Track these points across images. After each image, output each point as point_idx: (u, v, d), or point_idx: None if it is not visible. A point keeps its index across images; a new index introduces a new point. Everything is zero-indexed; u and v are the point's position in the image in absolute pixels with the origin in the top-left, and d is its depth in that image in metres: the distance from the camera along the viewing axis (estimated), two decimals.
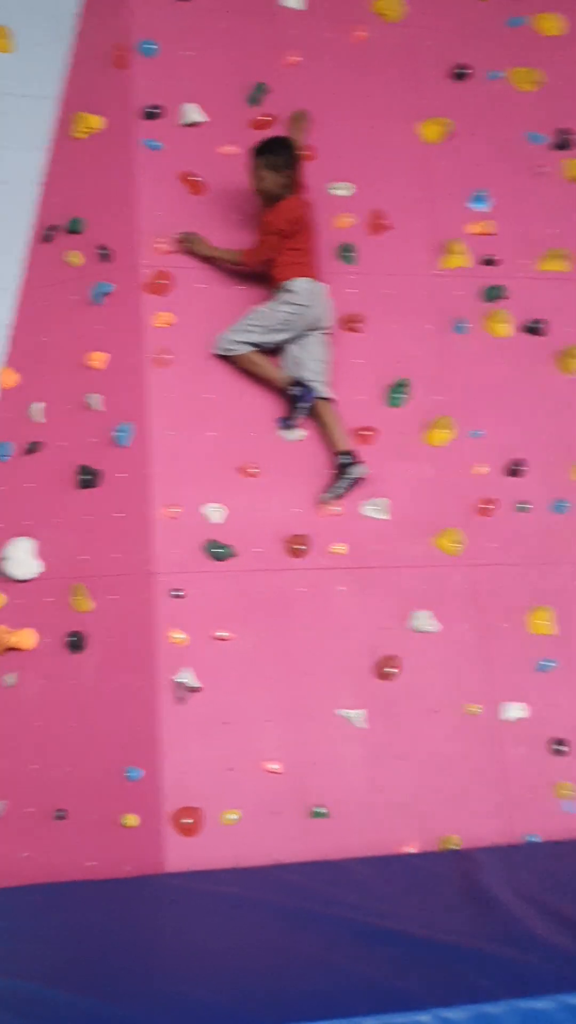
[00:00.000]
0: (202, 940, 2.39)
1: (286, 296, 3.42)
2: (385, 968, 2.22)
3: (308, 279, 3.44)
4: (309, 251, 3.50)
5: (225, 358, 3.50)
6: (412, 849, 3.20)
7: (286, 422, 3.49)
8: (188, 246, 3.52)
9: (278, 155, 3.48)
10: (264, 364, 3.49)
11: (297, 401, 3.44)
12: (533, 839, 3.29)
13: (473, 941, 2.35)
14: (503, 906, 2.57)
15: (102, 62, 3.78)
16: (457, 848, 3.21)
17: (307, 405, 3.45)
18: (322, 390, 3.47)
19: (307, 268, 3.46)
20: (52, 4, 3.86)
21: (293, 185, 3.51)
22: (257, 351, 3.48)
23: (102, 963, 2.29)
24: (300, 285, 3.42)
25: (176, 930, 2.48)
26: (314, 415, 3.49)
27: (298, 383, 3.44)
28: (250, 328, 3.45)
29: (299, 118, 3.71)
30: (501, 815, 3.34)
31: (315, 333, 3.50)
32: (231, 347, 3.46)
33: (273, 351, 3.53)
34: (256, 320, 3.45)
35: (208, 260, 3.55)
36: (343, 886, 2.72)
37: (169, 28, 3.76)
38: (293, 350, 3.51)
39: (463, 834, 3.25)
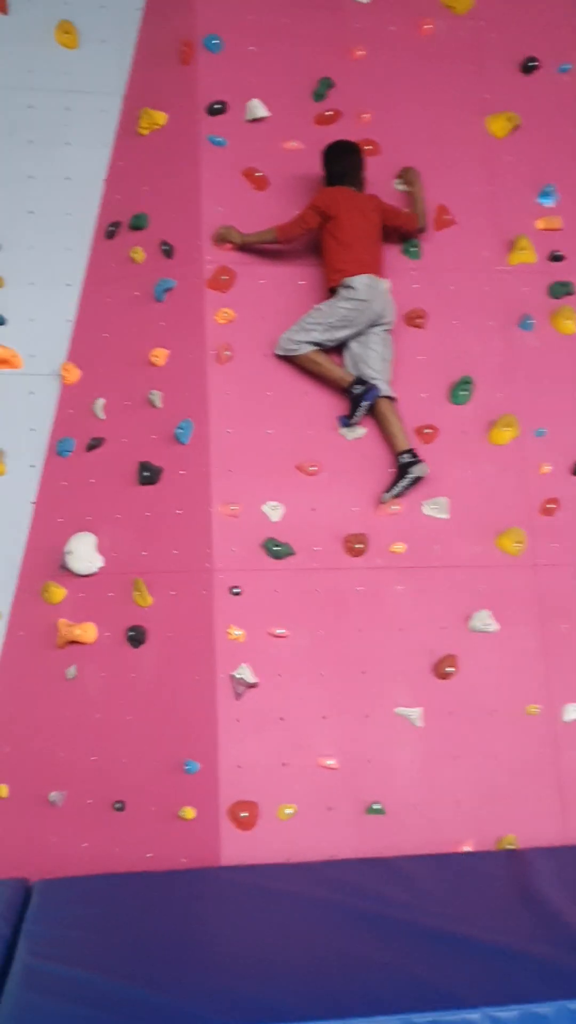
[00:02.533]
0: (255, 935, 2.41)
1: (346, 292, 3.40)
2: (436, 967, 2.23)
3: (368, 275, 3.42)
4: (368, 248, 3.47)
5: (286, 359, 3.49)
6: (468, 848, 3.18)
7: (346, 420, 3.48)
8: (225, 239, 3.52)
9: (347, 153, 3.54)
10: (325, 363, 3.48)
11: (359, 400, 3.42)
12: None
13: (524, 942, 2.35)
14: (555, 908, 2.56)
15: (166, 58, 3.79)
16: (512, 848, 3.19)
17: (369, 404, 3.43)
18: (384, 388, 3.45)
19: (366, 265, 3.44)
20: (116, 0, 3.88)
21: (357, 183, 3.54)
22: (318, 350, 3.47)
23: (156, 955, 2.34)
24: (360, 281, 3.40)
25: (230, 924, 2.50)
26: (375, 413, 3.48)
27: (360, 381, 3.42)
28: (310, 327, 3.44)
29: (411, 173, 3.69)
30: (558, 816, 3.31)
31: (377, 330, 3.48)
32: (292, 347, 3.46)
33: (335, 349, 3.52)
34: (316, 318, 3.44)
35: (245, 248, 3.54)
36: (396, 884, 2.72)
37: (233, 23, 3.76)
38: (355, 347, 3.49)
39: (519, 834, 3.23)
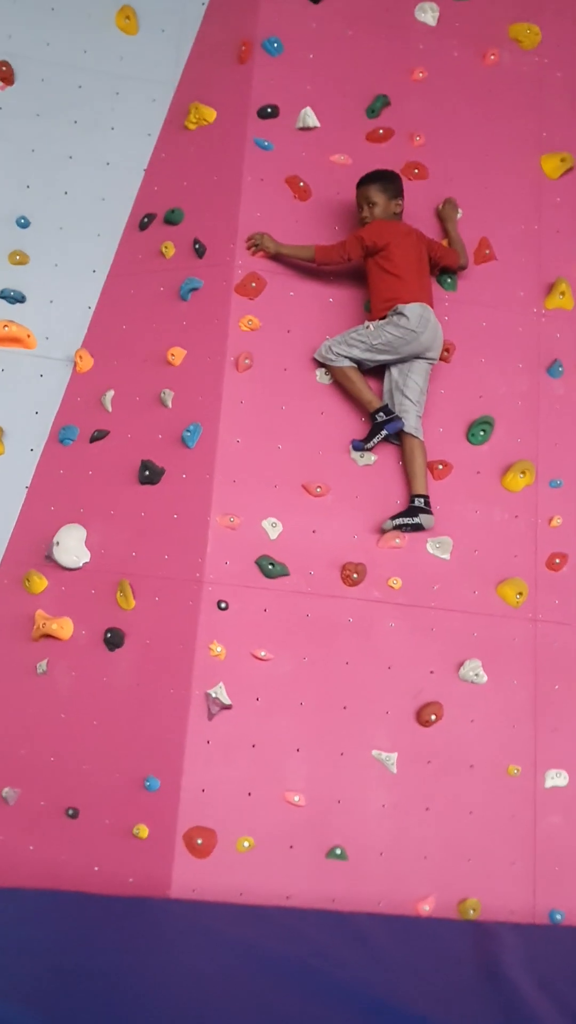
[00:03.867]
0: (194, 983, 2.25)
1: (397, 319, 3.29)
2: None
3: (422, 305, 3.32)
4: (419, 278, 3.37)
5: (323, 365, 3.40)
6: (428, 906, 3.04)
7: (360, 444, 3.37)
8: (258, 246, 3.42)
9: (392, 182, 3.43)
10: (358, 382, 3.37)
11: (380, 427, 3.31)
12: (558, 915, 3.11)
13: None
14: (518, 992, 2.39)
15: (224, 55, 3.72)
16: (476, 913, 3.05)
17: (387, 434, 3.32)
18: (412, 424, 3.34)
19: (419, 294, 3.33)
20: None
21: (398, 214, 3.45)
22: (355, 367, 3.37)
23: (81, 990, 2.17)
24: (413, 310, 3.29)
25: (170, 966, 2.34)
26: (402, 448, 3.37)
27: (387, 410, 3.32)
28: (353, 342, 3.34)
29: (451, 205, 3.61)
30: (527, 887, 3.16)
31: (420, 361, 3.37)
32: (332, 357, 3.36)
33: (375, 370, 3.42)
34: (362, 336, 3.33)
35: (277, 258, 3.44)
36: (352, 945, 2.56)
37: (296, 29, 3.68)
38: (395, 373, 3.39)
39: (484, 898, 3.09)
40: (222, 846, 2.98)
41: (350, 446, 3.39)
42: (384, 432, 3.32)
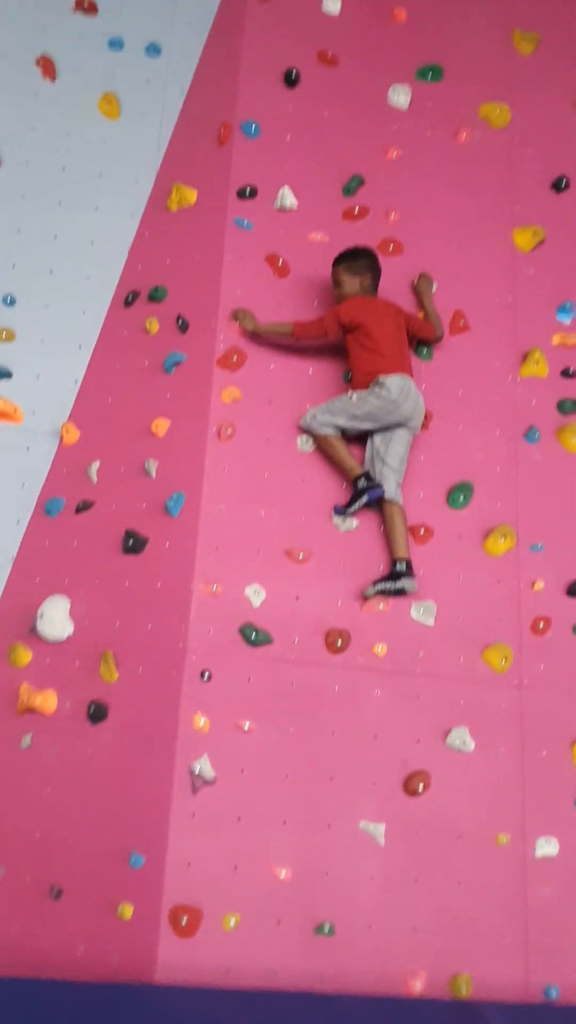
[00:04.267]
0: None
1: (378, 390, 3.36)
2: None
3: (402, 376, 3.39)
4: (398, 351, 3.45)
5: (307, 432, 3.46)
6: (419, 983, 2.97)
7: (342, 510, 3.40)
8: (240, 322, 3.50)
9: (356, 260, 3.53)
10: (341, 449, 3.42)
11: (360, 494, 3.35)
12: (552, 991, 3.04)
13: None
14: None
15: (204, 137, 3.85)
16: (468, 990, 2.98)
17: (368, 501, 3.36)
18: (392, 491, 3.38)
19: (398, 366, 3.41)
20: (161, 76, 3.97)
21: (371, 289, 3.54)
22: (338, 436, 3.43)
23: None
24: (394, 382, 3.36)
25: None
26: (383, 515, 3.40)
27: (368, 477, 3.36)
28: (337, 411, 3.40)
29: (425, 280, 3.71)
30: (519, 958, 3.10)
31: (402, 430, 3.43)
32: (315, 425, 3.43)
33: (358, 437, 3.47)
34: (345, 405, 3.40)
35: (256, 335, 3.52)
36: None
37: (273, 111, 3.82)
38: (378, 441, 3.44)
39: (476, 973, 3.03)
40: (208, 924, 2.93)
41: (332, 512, 3.42)
42: (366, 498, 3.36)
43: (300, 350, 3.57)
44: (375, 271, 3.56)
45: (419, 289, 3.70)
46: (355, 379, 3.46)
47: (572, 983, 3.08)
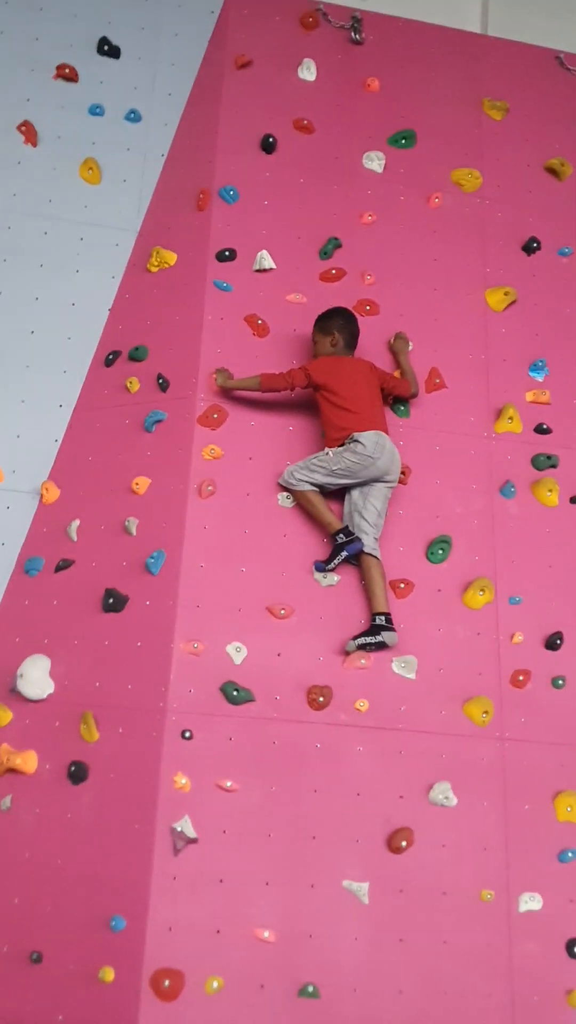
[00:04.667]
0: None
1: (354, 446, 3.41)
2: None
3: (377, 432, 3.45)
4: (370, 408, 3.51)
5: (286, 489, 3.50)
6: None
7: (322, 566, 3.43)
8: (218, 381, 3.55)
9: (328, 320, 3.61)
10: (319, 505, 3.46)
11: (340, 549, 3.38)
12: None
13: None
14: None
15: (183, 202, 3.94)
16: None
17: (348, 555, 3.39)
18: (371, 545, 3.41)
19: (373, 423, 3.47)
20: (141, 143, 4.07)
21: (345, 348, 3.61)
22: (317, 491, 3.47)
23: None
24: (368, 438, 3.42)
25: None
26: (360, 569, 3.43)
27: (347, 532, 3.40)
28: (315, 468, 3.45)
29: (401, 339, 3.80)
30: (505, 1017, 3.07)
31: (380, 485, 3.48)
32: (293, 481, 3.47)
33: (338, 493, 3.52)
34: (322, 462, 3.44)
35: (229, 392, 3.56)
36: None
37: (251, 177, 3.92)
38: (355, 496, 3.49)
39: None
40: (190, 988, 2.89)
41: (313, 568, 3.45)
42: (345, 553, 3.39)
43: (280, 406, 3.62)
44: (349, 331, 3.63)
45: (395, 348, 3.78)
46: (328, 436, 3.51)
47: None
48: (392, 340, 3.80)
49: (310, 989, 2.96)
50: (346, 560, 3.41)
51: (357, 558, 3.42)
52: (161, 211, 3.97)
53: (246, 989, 2.93)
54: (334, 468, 3.42)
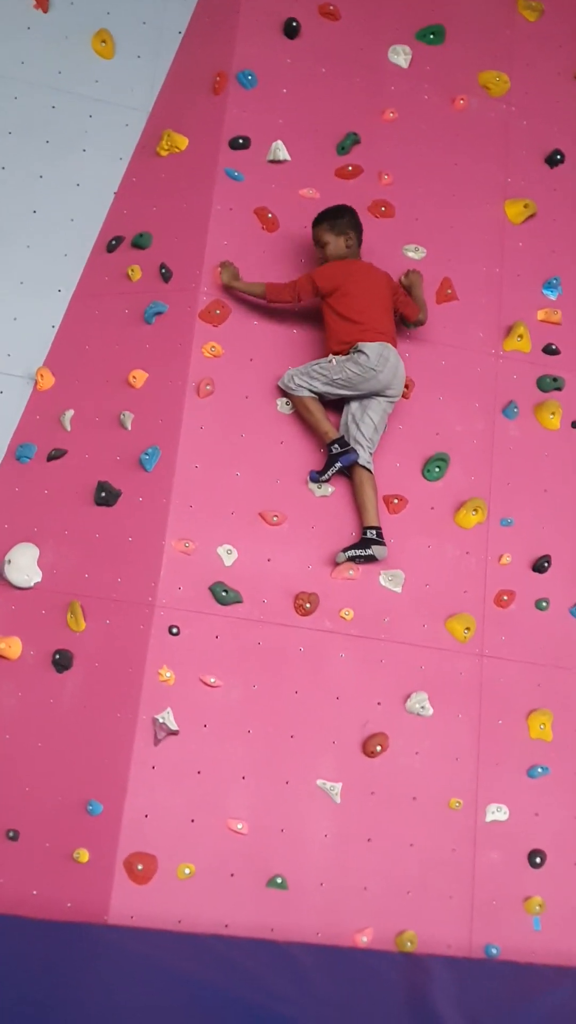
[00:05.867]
0: (127, 1015, 2.24)
1: (357, 356, 3.33)
2: None
3: (383, 344, 3.35)
4: (380, 318, 3.39)
5: (285, 394, 3.43)
6: (365, 938, 3.05)
7: (317, 476, 3.40)
8: (223, 277, 3.44)
9: (339, 218, 3.45)
10: (317, 412, 3.40)
11: (335, 459, 3.35)
12: (493, 949, 3.14)
13: None
14: None
15: (198, 84, 3.76)
16: (413, 946, 3.07)
17: (343, 466, 3.36)
18: (364, 458, 3.37)
19: (380, 334, 3.36)
20: (158, 18, 3.87)
21: (355, 248, 3.47)
22: (315, 398, 3.40)
23: (15, 1017, 2.16)
24: (373, 349, 3.32)
25: (103, 997, 2.33)
26: (352, 481, 3.40)
27: (343, 442, 3.36)
28: (316, 375, 3.37)
29: (415, 274, 3.59)
30: (464, 918, 3.20)
31: (379, 399, 3.40)
32: (293, 386, 3.39)
33: (335, 402, 3.45)
34: (324, 369, 3.36)
35: (229, 291, 3.46)
36: (287, 975, 2.58)
37: (271, 63, 3.74)
38: (354, 407, 3.42)
39: (421, 931, 3.12)
40: (162, 873, 2.98)
41: (308, 476, 3.42)
42: (339, 464, 3.35)
43: (286, 310, 3.53)
44: (358, 229, 3.48)
45: (410, 281, 3.59)
46: (330, 348, 3.40)
47: (513, 944, 3.18)
48: (404, 276, 3.59)
49: (279, 880, 3.05)
50: (340, 471, 3.38)
51: (350, 470, 3.39)
52: (175, 92, 3.80)
53: (217, 877, 3.02)
54: (335, 377, 3.35)
